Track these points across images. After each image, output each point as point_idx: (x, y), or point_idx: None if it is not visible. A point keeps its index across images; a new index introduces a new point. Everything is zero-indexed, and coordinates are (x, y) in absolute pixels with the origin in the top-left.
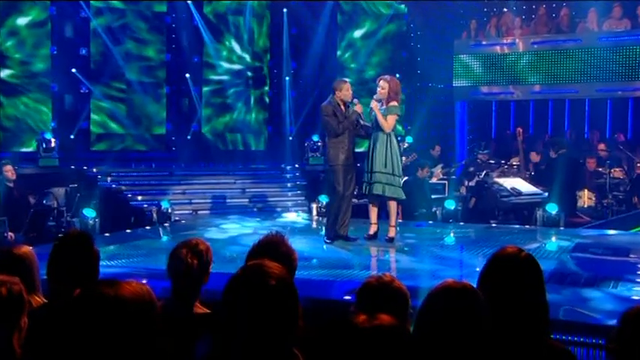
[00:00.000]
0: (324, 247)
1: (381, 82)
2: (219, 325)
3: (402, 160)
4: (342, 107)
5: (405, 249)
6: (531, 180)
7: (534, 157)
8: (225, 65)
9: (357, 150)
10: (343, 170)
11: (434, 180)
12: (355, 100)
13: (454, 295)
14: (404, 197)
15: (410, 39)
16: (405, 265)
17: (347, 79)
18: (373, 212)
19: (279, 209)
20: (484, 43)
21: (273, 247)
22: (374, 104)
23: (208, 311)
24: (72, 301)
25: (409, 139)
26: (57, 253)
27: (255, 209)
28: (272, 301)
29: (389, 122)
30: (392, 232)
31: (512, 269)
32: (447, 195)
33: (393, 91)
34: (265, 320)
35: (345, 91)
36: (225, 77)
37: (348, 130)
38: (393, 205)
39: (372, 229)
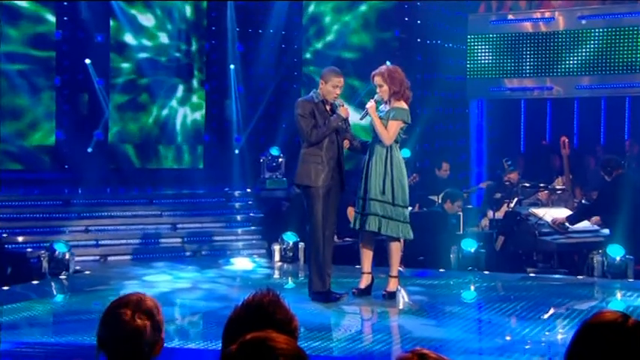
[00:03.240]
0: (306, 307)
1: (376, 78)
2: None
3: (408, 184)
4: (327, 107)
5: (413, 310)
6: (576, 211)
7: (594, 195)
8: (144, 47)
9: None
10: (323, 196)
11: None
12: (339, 101)
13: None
14: (410, 237)
15: (405, 12)
16: (418, 334)
17: (339, 72)
18: (366, 257)
19: (225, 253)
20: (510, 18)
21: (265, 312)
22: (371, 105)
23: None
24: None
25: (405, 154)
26: None
27: (191, 253)
28: None
29: (390, 131)
30: (392, 285)
31: (616, 344)
32: (462, 231)
33: (395, 83)
34: None
35: (331, 86)
36: (142, 64)
37: (325, 138)
38: (394, 248)
39: (364, 281)
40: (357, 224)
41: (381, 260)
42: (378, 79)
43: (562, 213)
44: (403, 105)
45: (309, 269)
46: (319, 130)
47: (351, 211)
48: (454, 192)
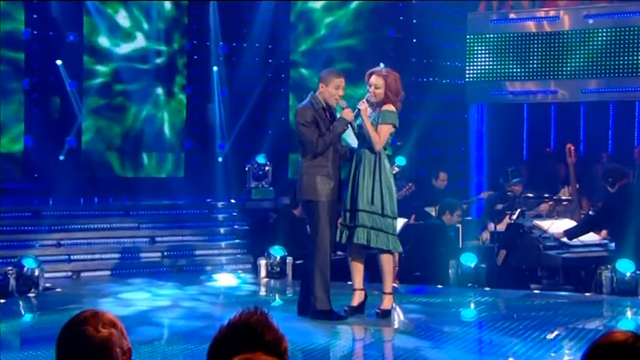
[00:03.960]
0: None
1: (374, 78)
2: None
3: (396, 192)
4: (327, 113)
5: (409, 329)
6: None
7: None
8: (120, 47)
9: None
10: (328, 209)
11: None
12: (342, 103)
13: None
14: (400, 249)
15: (400, 11)
16: (413, 355)
17: (340, 72)
18: (357, 272)
19: (208, 268)
20: (512, 17)
21: (253, 333)
22: (364, 107)
23: None
24: None
25: (400, 161)
26: None
27: (171, 269)
28: None
29: (381, 135)
30: (387, 303)
31: None
32: (461, 245)
33: (392, 91)
34: None
35: (333, 88)
36: (119, 65)
37: (331, 147)
38: (386, 261)
39: (357, 299)
40: (343, 237)
41: (375, 276)
42: (376, 80)
43: (567, 225)
44: (393, 108)
45: (313, 286)
46: (325, 138)
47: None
48: (452, 202)
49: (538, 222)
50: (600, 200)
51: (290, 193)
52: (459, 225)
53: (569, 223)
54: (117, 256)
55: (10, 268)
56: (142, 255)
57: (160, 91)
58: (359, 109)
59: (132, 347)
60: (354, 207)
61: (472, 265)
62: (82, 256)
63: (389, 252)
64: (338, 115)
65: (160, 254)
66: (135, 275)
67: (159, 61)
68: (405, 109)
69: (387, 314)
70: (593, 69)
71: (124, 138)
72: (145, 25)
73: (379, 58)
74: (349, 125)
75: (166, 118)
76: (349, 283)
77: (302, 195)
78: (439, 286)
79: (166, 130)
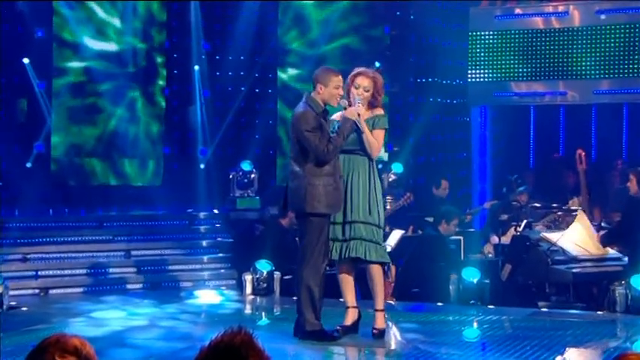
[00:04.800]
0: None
1: (361, 79)
2: None
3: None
4: (325, 116)
5: (406, 350)
6: (604, 236)
7: (615, 216)
8: (93, 44)
9: None
10: (326, 223)
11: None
12: (343, 102)
13: None
14: (389, 261)
15: (397, 6)
16: None
17: (337, 70)
18: (349, 288)
19: (188, 284)
20: (518, 12)
21: (236, 355)
22: (361, 109)
23: None
24: None
25: (397, 168)
26: None
27: (148, 285)
28: None
29: (379, 141)
30: (382, 321)
31: None
32: (463, 259)
33: (380, 94)
34: None
35: (333, 88)
36: (92, 64)
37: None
38: (379, 275)
39: (350, 317)
40: (334, 253)
41: (366, 292)
42: (365, 82)
43: (579, 234)
44: (383, 112)
45: (300, 305)
46: (335, 143)
47: None
48: (448, 210)
49: (546, 234)
50: (615, 210)
51: (278, 202)
52: (461, 237)
53: (581, 232)
54: (89, 271)
55: None
56: (117, 270)
57: (136, 91)
58: (354, 112)
59: None
60: (348, 219)
61: (475, 281)
62: (50, 272)
63: (382, 264)
64: (333, 117)
65: (136, 269)
66: (109, 292)
67: (135, 59)
68: (403, 111)
69: (382, 334)
70: (605, 68)
71: (97, 143)
72: (121, 20)
73: (374, 57)
74: (357, 125)
75: (143, 122)
76: (341, 300)
77: (304, 207)
78: (439, 304)
79: (143, 134)
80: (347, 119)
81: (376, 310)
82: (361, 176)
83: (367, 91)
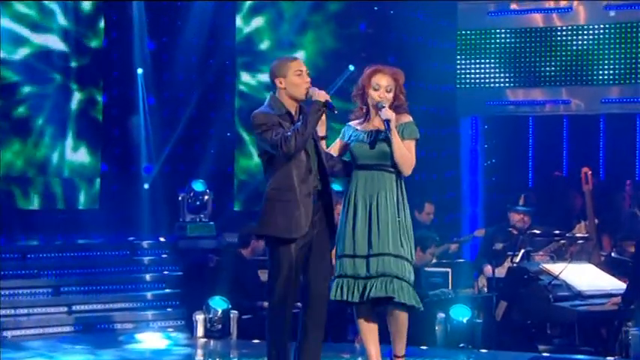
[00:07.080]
0: None
1: (379, 77)
2: None
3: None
4: (295, 112)
5: None
6: (612, 268)
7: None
8: (15, 43)
9: None
10: (295, 249)
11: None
12: (312, 90)
13: None
14: (422, 308)
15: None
16: None
17: (293, 56)
18: (373, 337)
19: (129, 326)
20: (514, 8)
21: None
22: (390, 114)
23: None
24: None
25: None
26: None
27: (81, 327)
28: None
29: (413, 155)
30: None
31: None
32: (451, 294)
33: (403, 93)
34: None
35: (294, 76)
36: (13, 68)
37: (306, 143)
38: (406, 319)
39: None
40: (356, 294)
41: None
42: (384, 80)
43: (585, 272)
44: (410, 118)
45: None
46: (297, 132)
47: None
48: (424, 235)
49: (547, 266)
50: (627, 238)
51: (238, 229)
52: (449, 269)
53: (588, 269)
54: (9, 312)
55: None
56: (43, 310)
57: (68, 99)
58: (388, 120)
59: None
60: (374, 250)
61: (465, 321)
62: None
63: (411, 310)
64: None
65: (66, 309)
66: (32, 337)
67: (66, 61)
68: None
69: None
70: (614, 74)
71: (20, 161)
72: (50, 14)
73: (348, 59)
74: (326, 108)
75: (76, 134)
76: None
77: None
78: (423, 348)
79: (77, 149)
80: (316, 102)
81: (396, 357)
82: (389, 198)
83: (389, 90)
